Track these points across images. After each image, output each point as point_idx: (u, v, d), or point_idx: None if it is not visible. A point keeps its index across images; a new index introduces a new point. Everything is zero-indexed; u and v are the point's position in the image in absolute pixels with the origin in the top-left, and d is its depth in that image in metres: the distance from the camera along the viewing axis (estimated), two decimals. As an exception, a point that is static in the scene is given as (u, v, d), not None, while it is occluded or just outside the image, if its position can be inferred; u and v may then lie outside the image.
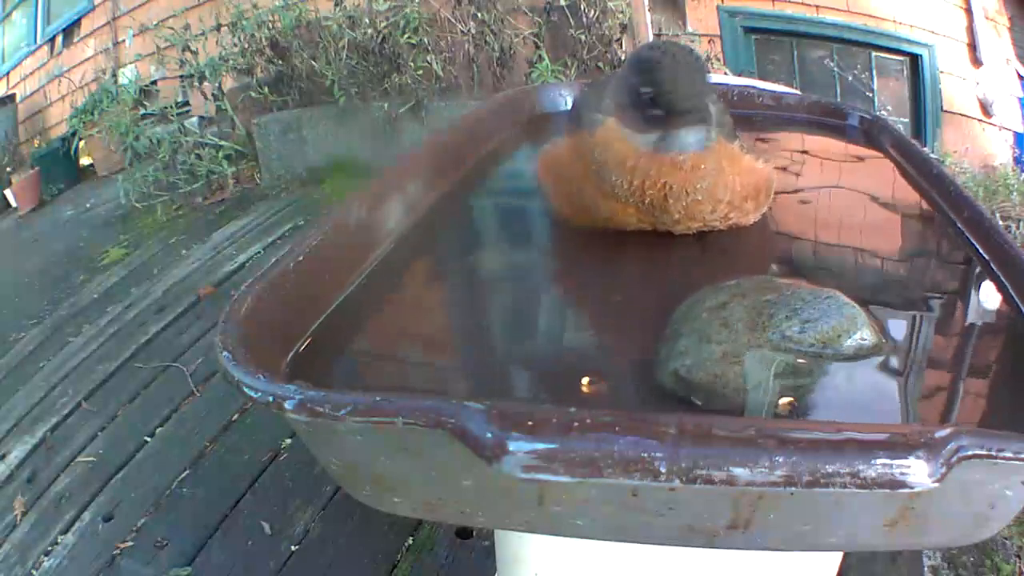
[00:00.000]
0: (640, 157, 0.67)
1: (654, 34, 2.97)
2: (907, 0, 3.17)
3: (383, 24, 3.21)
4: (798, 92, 1.28)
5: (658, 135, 0.65)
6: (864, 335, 0.52)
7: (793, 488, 0.35)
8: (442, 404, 0.40)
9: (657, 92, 0.64)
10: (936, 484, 0.35)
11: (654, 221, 0.70)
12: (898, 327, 0.56)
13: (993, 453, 0.36)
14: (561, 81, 2.66)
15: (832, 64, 3.28)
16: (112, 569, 1.41)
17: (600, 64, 3.04)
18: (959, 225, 0.69)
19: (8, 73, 4.81)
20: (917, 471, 0.35)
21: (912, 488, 0.35)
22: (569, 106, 1.01)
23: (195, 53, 3.49)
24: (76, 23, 4.50)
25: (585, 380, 0.50)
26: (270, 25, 3.39)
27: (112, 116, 3.56)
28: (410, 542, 1.38)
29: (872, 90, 3.28)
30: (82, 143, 4.07)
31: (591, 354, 0.57)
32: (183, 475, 1.62)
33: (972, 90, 3.21)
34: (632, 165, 0.67)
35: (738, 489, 0.36)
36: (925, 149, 0.88)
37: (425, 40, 3.17)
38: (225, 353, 0.45)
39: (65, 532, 1.52)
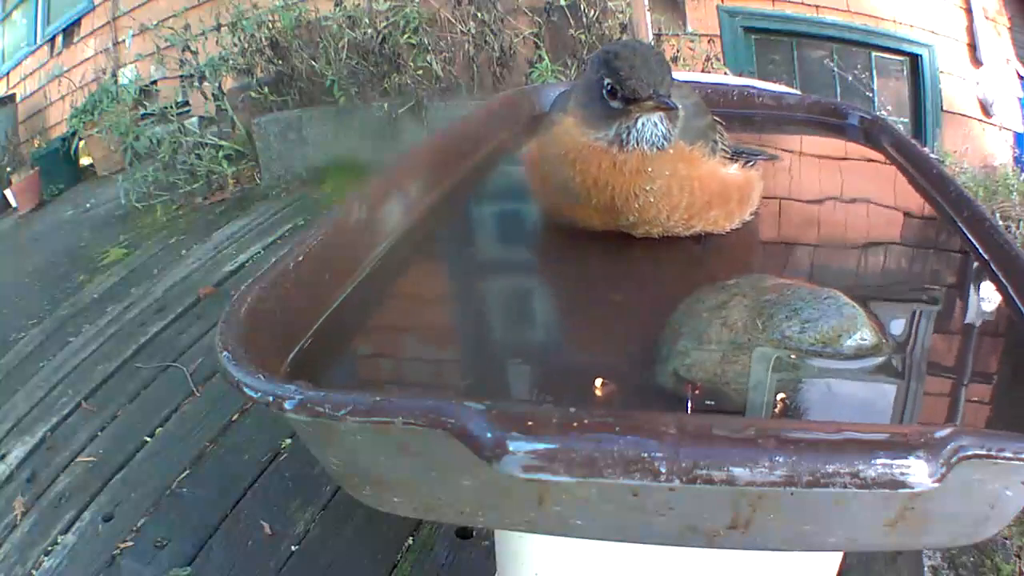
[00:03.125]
0: (585, 154, 0.65)
1: (654, 34, 2.97)
2: (907, 0, 3.17)
3: (383, 24, 3.21)
4: (798, 92, 1.28)
5: (615, 127, 0.64)
6: (864, 335, 0.52)
7: (793, 488, 0.35)
8: (442, 404, 0.39)
9: (616, 81, 0.63)
10: (936, 484, 0.35)
11: (614, 223, 0.68)
12: (898, 327, 0.56)
13: (993, 453, 0.36)
14: (561, 81, 2.65)
15: (832, 64, 3.28)
16: (112, 569, 1.41)
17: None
18: (959, 225, 0.69)
19: (8, 73, 4.81)
20: (917, 471, 0.35)
21: (912, 488, 0.35)
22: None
23: (195, 53, 3.49)
24: (76, 23, 4.50)
25: (598, 382, 0.50)
26: (270, 25, 3.39)
27: (112, 116, 3.56)
28: (410, 542, 1.38)
29: (872, 90, 3.28)
30: (82, 143, 4.07)
31: (591, 353, 0.57)
32: (183, 475, 1.62)
33: (972, 90, 3.20)
34: (574, 160, 0.66)
35: (738, 489, 0.36)
36: (925, 149, 0.88)
37: (425, 40, 3.18)
38: (225, 353, 0.45)
39: (65, 532, 1.52)
